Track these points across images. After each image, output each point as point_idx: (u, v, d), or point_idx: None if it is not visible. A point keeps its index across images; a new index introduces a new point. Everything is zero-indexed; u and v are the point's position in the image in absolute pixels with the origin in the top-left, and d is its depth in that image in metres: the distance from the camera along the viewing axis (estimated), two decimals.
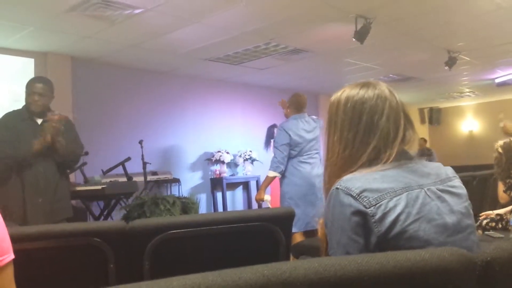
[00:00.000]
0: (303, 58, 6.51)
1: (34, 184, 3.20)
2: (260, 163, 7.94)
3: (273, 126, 6.45)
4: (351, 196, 1.06)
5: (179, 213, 4.27)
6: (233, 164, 7.96)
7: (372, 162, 1.16)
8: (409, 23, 5.14)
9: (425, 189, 1.10)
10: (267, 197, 4.13)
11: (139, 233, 1.86)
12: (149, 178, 5.87)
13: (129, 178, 5.24)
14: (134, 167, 5.72)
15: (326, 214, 1.14)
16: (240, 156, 7.91)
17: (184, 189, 6.95)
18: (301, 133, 3.98)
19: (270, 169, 4.03)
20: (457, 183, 1.19)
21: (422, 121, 12.76)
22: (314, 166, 3.96)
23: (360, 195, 1.05)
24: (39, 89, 3.31)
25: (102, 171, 5.32)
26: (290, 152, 3.97)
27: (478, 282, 0.88)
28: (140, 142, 5.56)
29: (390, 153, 1.16)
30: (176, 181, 6.67)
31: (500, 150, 3.08)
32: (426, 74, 8.04)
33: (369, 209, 1.04)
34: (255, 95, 8.52)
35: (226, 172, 7.69)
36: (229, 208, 7.68)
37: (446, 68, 6.47)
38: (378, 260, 0.79)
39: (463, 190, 1.18)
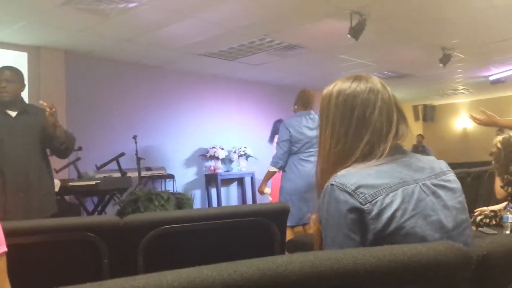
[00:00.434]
0: (298, 54, 6.50)
1: (15, 179, 3.04)
2: (254, 159, 7.94)
3: (279, 121, 6.48)
4: (347, 192, 1.04)
5: (173, 208, 4.26)
6: (227, 160, 7.95)
7: (366, 157, 1.14)
8: (404, 20, 5.14)
9: (420, 184, 1.09)
10: (267, 190, 4.26)
11: (133, 228, 1.85)
12: (143, 173, 5.85)
13: (123, 173, 5.22)
14: (128, 162, 5.71)
15: (320, 211, 1.12)
16: (235, 152, 7.91)
17: (179, 185, 6.94)
18: (303, 130, 4.03)
19: (270, 164, 4.14)
20: (451, 177, 1.18)
21: (416, 118, 12.80)
22: (315, 165, 3.98)
23: (356, 191, 1.03)
24: (6, 75, 3.12)
25: (96, 166, 5.30)
26: (291, 148, 4.04)
27: (473, 276, 0.88)
28: (134, 137, 5.54)
29: (384, 148, 1.14)
30: (171, 177, 6.65)
31: (499, 145, 3.10)
32: (420, 71, 8.07)
33: (365, 206, 1.02)
34: (250, 91, 8.51)
35: (220, 168, 7.68)
36: (223, 204, 7.68)
37: (441, 65, 6.49)
38: (374, 254, 0.79)
39: (457, 184, 1.17)
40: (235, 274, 0.71)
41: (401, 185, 1.06)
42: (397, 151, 1.17)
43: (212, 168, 7.63)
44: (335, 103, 1.22)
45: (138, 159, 5.46)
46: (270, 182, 4.46)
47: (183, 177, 7.34)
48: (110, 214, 4.28)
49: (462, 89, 10.53)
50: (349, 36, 4.88)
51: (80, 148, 5.17)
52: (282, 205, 2.22)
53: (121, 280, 0.69)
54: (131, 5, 4.37)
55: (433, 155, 10.50)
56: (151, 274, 0.71)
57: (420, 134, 11.35)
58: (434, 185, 1.11)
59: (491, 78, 8.71)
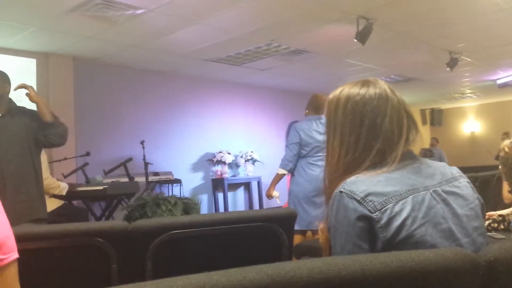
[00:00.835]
0: (305, 59, 6.51)
1: None
2: (261, 164, 7.94)
3: (295, 122, 6.49)
4: (356, 200, 1.02)
5: (180, 213, 4.26)
6: (234, 165, 7.96)
7: (376, 165, 1.12)
8: (410, 24, 5.14)
9: (431, 191, 1.06)
10: (275, 193, 4.21)
11: (142, 233, 1.86)
12: (151, 178, 5.87)
13: (131, 178, 5.24)
14: (135, 167, 5.73)
15: (329, 218, 1.10)
16: (242, 156, 7.91)
17: (186, 190, 6.95)
18: (312, 134, 4.04)
19: (279, 167, 4.13)
20: (462, 183, 1.15)
21: (424, 122, 12.75)
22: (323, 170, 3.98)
23: (365, 199, 1.01)
24: None
25: (104, 171, 5.33)
26: (301, 151, 4.05)
27: (481, 282, 0.88)
28: (142, 142, 5.56)
29: (395, 155, 1.11)
30: (178, 181, 6.67)
31: (506, 149, 3.08)
32: (427, 75, 8.04)
33: (374, 214, 1.00)
34: (257, 96, 8.53)
35: (227, 172, 7.69)
36: (230, 209, 7.68)
37: (448, 69, 6.47)
38: (382, 260, 0.79)
39: (468, 190, 1.14)
40: (244, 280, 0.71)
41: (411, 192, 1.04)
42: (407, 157, 1.14)
43: (219, 172, 7.64)
44: (343, 111, 1.19)
45: (146, 164, 5.48)
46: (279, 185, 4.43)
47: (190, 182, 7.36)
48: (118, 219, 4.30)
49: (469, 93, 10.48)
50: (355, 40, 4.88)
51: (88, 153, 5.21)
52: (289, 210, 2.22)
53: (131, 286, 0.70)
54: (139, 11, 4.40)
55: (445, 158, 10.32)
56: (160, 280, 0.71)
57: (434, 138, 11.31)
58: (445, 192, 1.08)
59: (498, 81, 8.67)
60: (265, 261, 0.80)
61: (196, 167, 7.54)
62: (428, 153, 10.24)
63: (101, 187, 4.68)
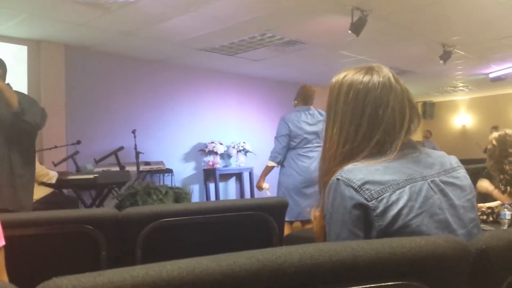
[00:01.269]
0: (299, 49, 6.49)
1: None
2: (253, 155, 7.94)
3: None
4: (352, 188, 1.02)
5: (171, 203, 4.26)
6: (226, 155, 7.95)
7: (375, 154, 1.10)
8: (404, 16, 5.13)
9: (429, 181, 1.06)
10: (265, 185, 4.23)
11: (132, 221, 1.85)
12: (142, 168, 5.84)
13: (122, 167, 5.22)
14: (127, 157, 5.71)
15: (325, 205, 1.09)
16: (234, 147, 7.90)
17: (177, 180, 6.94)
18: (301, 125, 4.02)
19: (269, 159, 4.13)
20: (461, 174, 1.15)
21: None
22: (314, 161, 3.99)
23: (362, 187, 1.01)
24: None
25: (95, 160, 5.30)
26: (290, 143, 4.04)
27: (472, 269, 0.88)
28: (133, 131, 5.53)
29: (395, 145, 1.10)
30: (169, 171, 6.65)
31: (494, 142, 3.09)
32: (420, 67, 8.06)
33: (371, 203, 1.00)
34: (250, 86, 8.50)
35: (219, 163, 7.68)
36: (221, 199, 7.68)
37: (441, 62, 6.48)
38: (373, 246, 0.79)
39: (467, 181, 1.14)
40: (234, 265, 0.71)
41: (409, 182, 1.03)
42: (406, 146, 1.13)
43: (210, 163, 7.62)
44: (345, 99, 1.16)
45: (137, 153, 5.46)
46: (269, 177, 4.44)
47: (182, 172, 7.34)
48: (108, 208, 4.29)
49: (462, 86, 10.52)
50: (350, 32, 4.86)
51: (79, 142, 5.17)
52: (280, 199, 2.23)
53: (121, 270, 0.69)
54: None
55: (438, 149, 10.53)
56: (150, 264, 0.71)
57: (428, 130, 11.39)
58: (443, 182, 1.08)
59: (491, 75, 8.70)
60: (256, 249, 0.79)
61: (187, 157, 7.52)
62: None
63: (91, 176, 4.65)
